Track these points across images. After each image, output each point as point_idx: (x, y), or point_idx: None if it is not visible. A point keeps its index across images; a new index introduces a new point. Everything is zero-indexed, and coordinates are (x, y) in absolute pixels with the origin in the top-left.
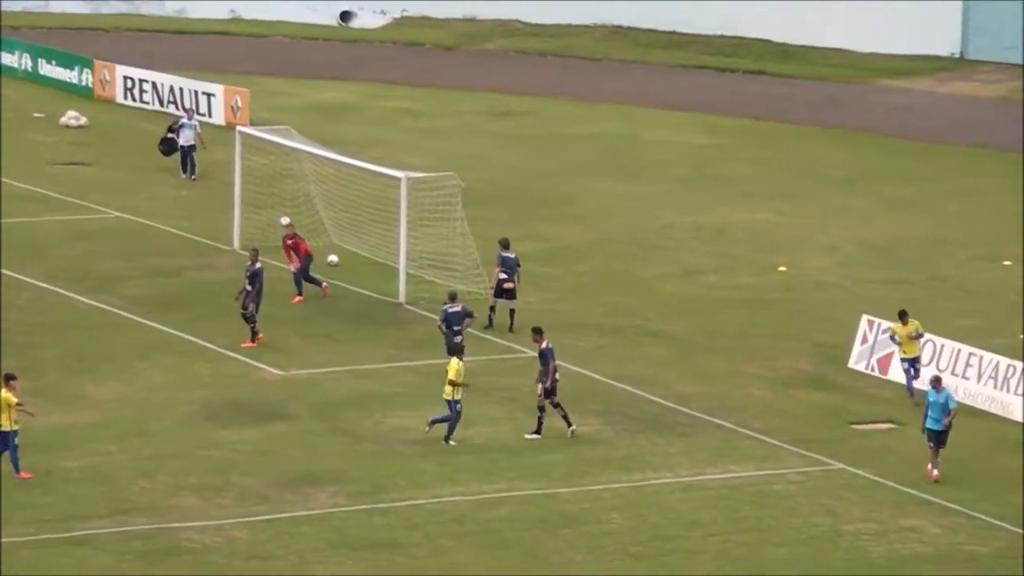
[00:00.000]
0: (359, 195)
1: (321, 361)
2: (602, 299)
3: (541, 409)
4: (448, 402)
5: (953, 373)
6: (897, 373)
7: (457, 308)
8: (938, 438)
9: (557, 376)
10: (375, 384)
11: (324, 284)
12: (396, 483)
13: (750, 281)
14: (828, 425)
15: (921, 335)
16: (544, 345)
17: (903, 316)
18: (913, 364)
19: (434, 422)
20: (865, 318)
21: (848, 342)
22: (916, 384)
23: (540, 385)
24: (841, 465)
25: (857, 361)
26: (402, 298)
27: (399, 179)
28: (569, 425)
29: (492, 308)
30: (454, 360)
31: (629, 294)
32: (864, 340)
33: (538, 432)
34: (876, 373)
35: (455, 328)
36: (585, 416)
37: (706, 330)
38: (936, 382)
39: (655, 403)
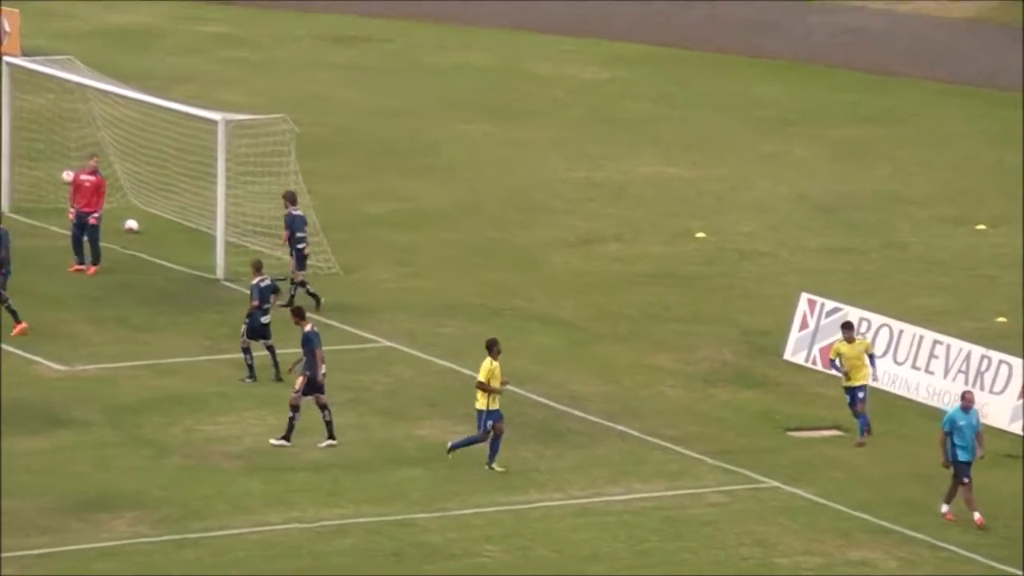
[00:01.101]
0: (165, 144)
1: (115, 354)
2: (474, 275)
3: (295, 408)
4: (478, 414)
5: (914, 366)
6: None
7: (268, 281)
8: (968, 470)
9: (324, 369)
10: (185, 382)
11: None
12: (213, 507)
13: (660, 251)
14: (758, 432)
15: (873, 356)
16: (308, 329)
17: (848, 330)
18: (856, 394)
19: (455, 447)
20: (805, 297)
21: (783, 327)
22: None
23: (301, 378)
24: (775, 483)
25: (795, 352)
26: (220, 273)
27: (216, 122)
28: (330, 437)
29: (301, 284)
30: (488, 359)
31: (508, 269)
32: (804, 325)
33: (287, 439)
34: (818, 367)
35: (265, 307)
36: (452, 423)
37: (606, 313)
38: (967, 400)
39: (542, 405)
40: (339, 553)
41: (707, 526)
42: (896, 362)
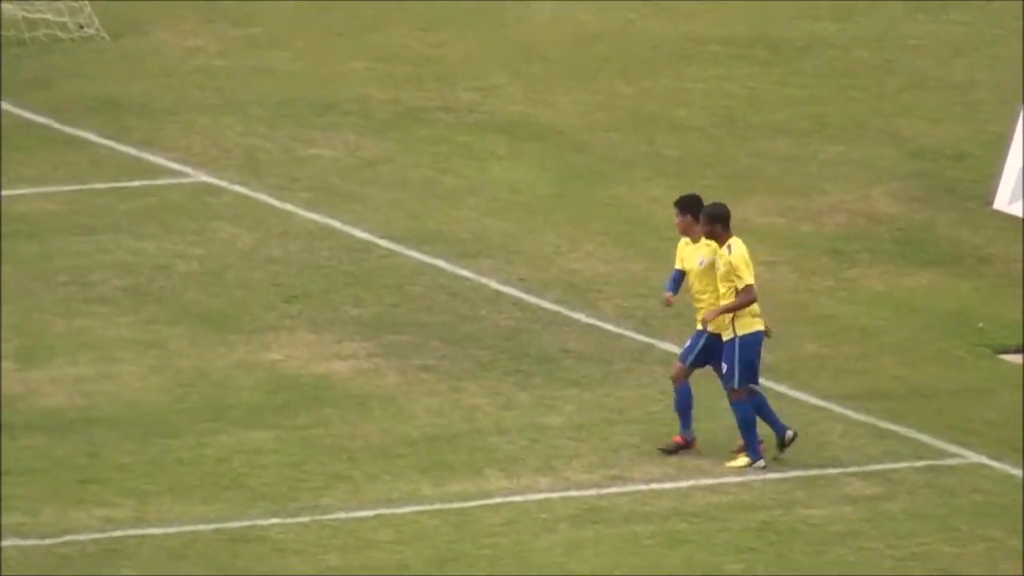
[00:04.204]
0: None
1: None
2: None
3: None
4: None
5: None
6: None
7: None
8: None
9: None
10: None
11: None
12: None
13: None
14: (946, 356)
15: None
16: None
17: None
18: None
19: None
20: None
21: (990, 151)
22: None
23: None
24: (977, 456)
25: (1013, 199)
26: None
27: None
28: None
29: None
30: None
31: None
32: None
33: None
34: None
35: None
36: None
37: None
38: None
39: None
40: None
41: (838, 542)
42: None
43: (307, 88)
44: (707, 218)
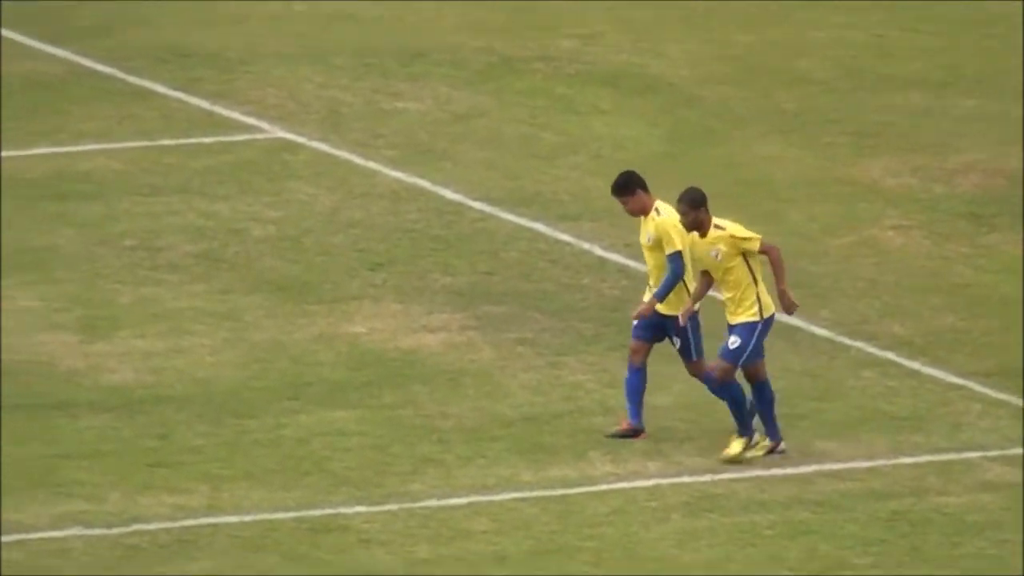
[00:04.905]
0: None
1: None
2: None
3: None
4: None
5: None
6: None
7: None
8: None
9: None
10: None
11: None
12: None
13: None
14: None
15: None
16: None
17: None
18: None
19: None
20: None
21: None
22: None
23: None
24: None
25: None
26: None
27: None
28: None
29: None
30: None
31: None
32: None
33: None
34: None
35: None
36: None
37: None
38: None
39: None
40: None
41: (976, 533)
42: None
43: (393, 36)
44: (689, 204)
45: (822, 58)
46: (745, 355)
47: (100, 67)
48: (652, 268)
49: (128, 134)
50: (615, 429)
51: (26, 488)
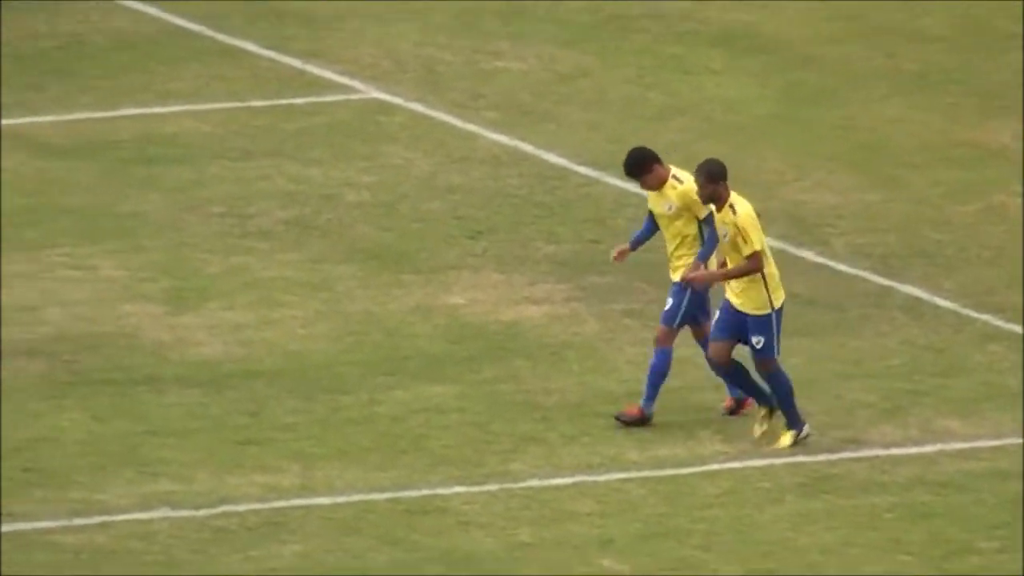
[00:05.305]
0: None
1: None
2: None
3: None
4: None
5: None
6: None
7: None
8: None
9: None
10: None
11: None
12: None
13: None
14: None
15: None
16: None
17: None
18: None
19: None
20: None
21: None
22: None
23: None
24: None
25: None
26: None
27: None
28: None
29: None
30: None
31: None
32: None
33: None
34: None
35: None
36: None
37: None
38: None
39: None
40: None
41: None
42: None
43: None
44: (707, 177)
45: (946, 14)
46: (776, 345)
47: (190, 25)
48: (671, 237)
49: (217, 95)
50: (626, 415)
51: (110, 468)
